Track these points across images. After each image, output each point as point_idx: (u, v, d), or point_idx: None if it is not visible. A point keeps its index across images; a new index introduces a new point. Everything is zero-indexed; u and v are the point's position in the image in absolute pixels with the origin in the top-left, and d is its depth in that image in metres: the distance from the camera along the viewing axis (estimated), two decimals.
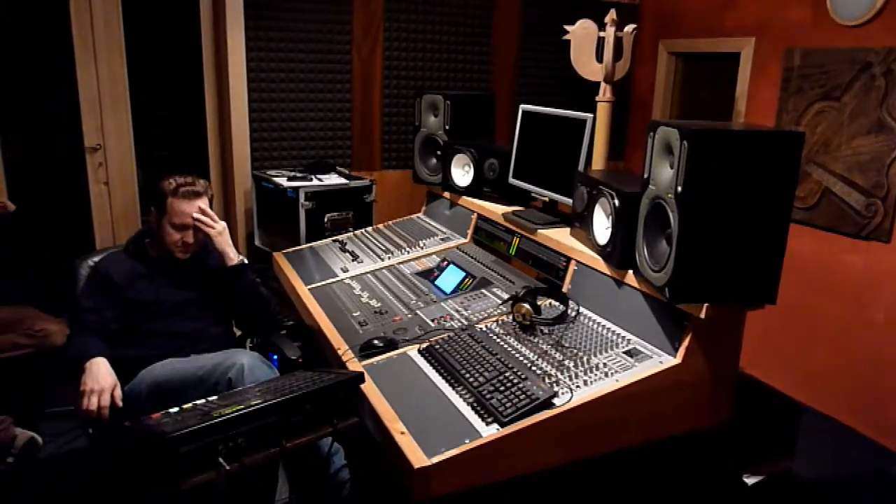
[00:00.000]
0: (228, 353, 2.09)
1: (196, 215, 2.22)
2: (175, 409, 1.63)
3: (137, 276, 2.22)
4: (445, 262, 2.47)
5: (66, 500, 2.46)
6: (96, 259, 2.31)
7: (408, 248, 2.71)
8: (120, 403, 1.94)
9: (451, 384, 1.71)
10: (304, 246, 2.99)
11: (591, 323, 1.91)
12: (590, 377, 1.67)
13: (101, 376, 1.94)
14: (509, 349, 1.82)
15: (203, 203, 2.24)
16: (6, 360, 2.73)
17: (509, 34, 4.06)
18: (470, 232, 2.68)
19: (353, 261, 2.70)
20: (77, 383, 1.96)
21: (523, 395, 1.58)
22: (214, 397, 1.74)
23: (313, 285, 2.52)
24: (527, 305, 1.91)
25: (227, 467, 1.45)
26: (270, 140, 3.64)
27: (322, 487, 2.08)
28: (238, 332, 2.51)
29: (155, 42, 3.57)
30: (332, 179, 3.39)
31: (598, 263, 1.99)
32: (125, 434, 1.66)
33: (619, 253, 1.88)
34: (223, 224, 2.30)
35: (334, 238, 3.00)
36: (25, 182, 3.39)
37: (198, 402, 1.69)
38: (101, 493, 2.35)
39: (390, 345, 1.95)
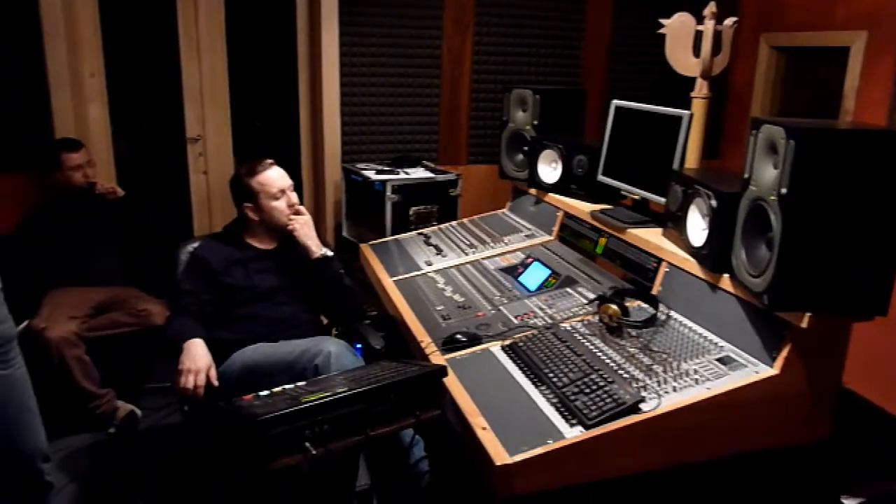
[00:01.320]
0: (316, 340, 2.15)
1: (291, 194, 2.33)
2: (265, 393, 1.69)
3: (232, 262, 2.32)
4: (530, 259, 2.45)
5: (161, 471, 2.60)
6: (195, 245, 2.43)
7: (492, 244, 2.70)
8: (215, 383, 2.04)
9: (534, 383, 1.70)
10: (389, 238, 3.04)
11: (681, 327, 1.85)
12: (679, 383, 1.61)
13: (198, 357, 2.04)
14: (595, 350, 1.78)
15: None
16: (111, 337, 2.89)
17: (601, 28, 3.97)
18: (555, 229, 2.64)
19: (437, 254, 2.72)
20: (175, 362, 2.07)
21: (609, 399, 1.54)
22: (302, 383, 1.79)
23: (398, 277, 2.56)
24: (614, 306, 1.86)
25: (314, 452, 1.49)
26: (360, 133, 3.71)
27: (401, 478, 2.10)
28: (325, 321, 2.57)
29: (253, 35, 3.70)
30: (419, 173, 3.42)
31: (692, 266, 1.92)
32: (218, 413, 1.73)
33: (714, 255, 1.80)
34: (307, 217, 2.39)
35: (419, 231, 3.03)
36: (133, 170, 3.60)
37: (287, 386, 1.74)
38: (193, 468, 2.47)
39: (473, 340, 1.95)
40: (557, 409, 1.58)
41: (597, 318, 1.94)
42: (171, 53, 3.49)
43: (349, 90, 3.62)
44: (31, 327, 2.66)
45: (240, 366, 2.14)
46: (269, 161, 2.36)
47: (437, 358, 1.90)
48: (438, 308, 2.23)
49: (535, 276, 2.33)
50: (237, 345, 2.20)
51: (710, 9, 3.18)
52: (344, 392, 1.55)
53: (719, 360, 1.68)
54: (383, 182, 3.21)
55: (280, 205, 2.33)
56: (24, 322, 2.69)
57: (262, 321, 2.27)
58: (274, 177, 2.33)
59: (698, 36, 3.23)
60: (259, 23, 3.71)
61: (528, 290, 2.26)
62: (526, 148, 2.92)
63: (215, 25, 3.53)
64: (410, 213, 3.25)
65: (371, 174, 3.32)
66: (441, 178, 3.38)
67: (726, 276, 1.79)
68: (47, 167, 3.05)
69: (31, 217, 3.03)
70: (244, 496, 1.94)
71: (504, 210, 3.06)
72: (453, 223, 3.08)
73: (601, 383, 1.60)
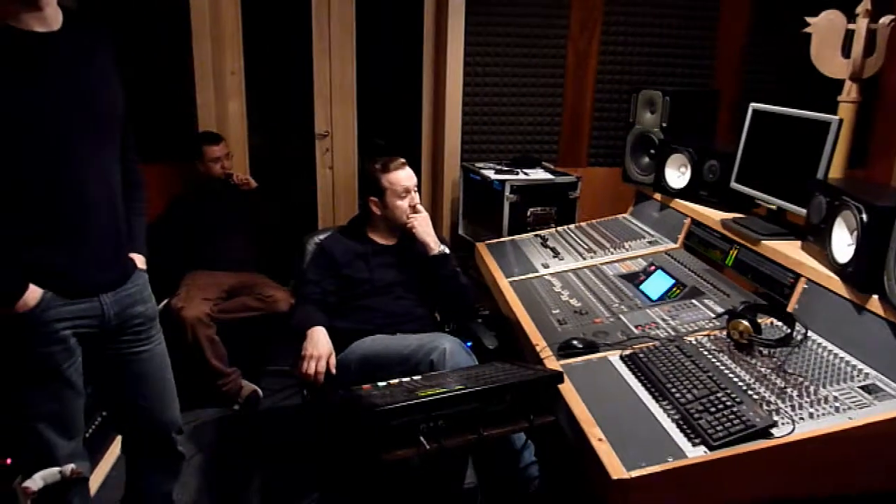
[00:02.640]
0: (432, 335, 2.18)
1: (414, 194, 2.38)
2: (383, 384, 1.74)
3: (355, 255, 2.39)
4: (653, 267, 2.36)
5: (279, 449, 2.73)
6: (321, 237, 2.53)
7: (612, 249, 2.63)
8: (334, 371, 2.11)
9: (654, 397, 1.63)
10: (505, 238, 3.03)
11: (820, 350, 1.72)
12: (816, 410, 1.50)
13: (319, 344, 2.12)
14: (722, 368, 1.69)
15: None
16: (239, 319, 3.07)
17: (736, 26, 3.76)
18: (681, 237, 2.53)
19: (554, 257, 2.68)
20: (298, 348, 2.17)
21: (737, 420, 1.46)
22: (418, 377, 1.82)
23: (513, 278, 2.54)
24: (745, 322, 1.76)
25: (427, 446, 1.51)
26: (480, 133, 3.73)
27: (510, 480, 2.09)
28: (438, 317, 2.60)
29: (381, 34, 3.80)
30: (538, 174, 3.39)
31: (835, 284, 1.78)
32: (338, 400, 1.79)
33: (862, 274, 1.66)
34: (425, 214, 2.43)
35: (536, 233, 3.00)
36: (266, 163, 3.80)
37: (403, 379, 1.78)
38: (309, 449, 2.58)
39: (590, 347, 1.90)
40: (679, 427, 1.51)
41: (725, 333, 1.84)
42: (305, 53, 3.65)
43: (472, 89, 3.64)
44: (170, 307, 2.88)
45: (358, 355, 2.21)
46: (402, 160, 2.42)
47: (552, 363, 1.87)
48: (554, 312, 2.20)
49: (657, 284, 2.24)
50: (356, 335, 2.27)
51: (865, 6, 2.94)
52: (460, 389, 1.56)
53: (863, 388, 1.55)
54: (502, 182, 3.20)
55: (403, 204, 2.39)
56: (164, 301, 2.90)
57: (381, 313, 2.33)
58: (403, 176, 2.39)
59: (848, 35, 3.00)
60: (387, 22, 3.80)
61: (650, 300, 2.18)
62: (653, 151, 2.82)
63: (346, 26, 3.66)
64: (528, 214, 3.23)
65: (490, 174, 3.33)
66: (560, 179, 3.33)
67: (875, 297, 1.64)
68: (190, 158, 3.29)
69: (174, 205, 3.28)
70: (356, 482, 2.00)
71: (626, 215, 2.98)
72: (571, 226, 3.02)
73: (728, 403, 1.51)
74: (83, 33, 1.59)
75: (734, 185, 2.40)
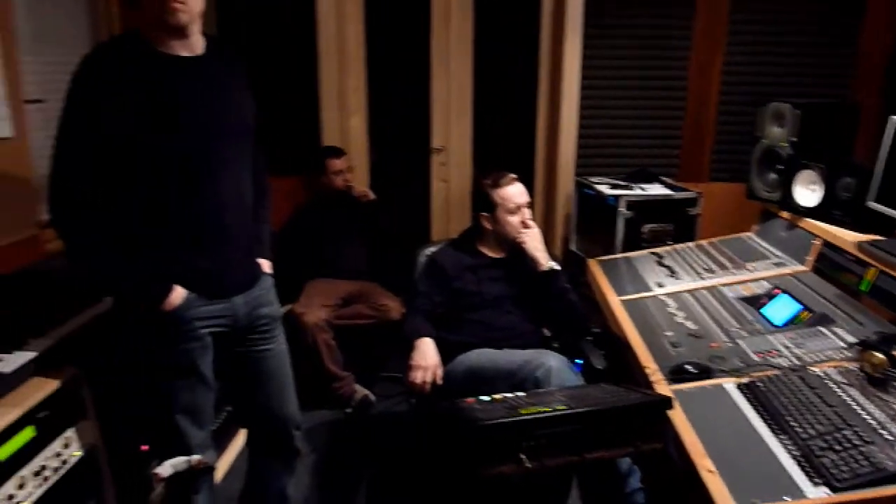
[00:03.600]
0: (538, 352, 2.17)
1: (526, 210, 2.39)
2: (487, 398, 1.75)
3: (465, 268, 2.43)
4: (777, 290, 2.22)
5: (388, 453, 2.81)
6: (433, 249, 2.59)
7: (733, 270, 2.50)
8: (440, 382, 2.16)
9: (772, 430, 1.54)
10: (619, 255, 2.96)
11: None
12: None
13: (427, 355, 2.18)
14: (851, 403, 1.57)
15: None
16: (353, 326, 3.20)
17: (880, 35, 3.47)
18: (810, 259, 2.37)
19: (669, 276, 2.59)
20: (407, 357, 2.23)
21: (865, 462, 1.34)
22: (522, 394, 1.82)
23: (625, 297, 2.48)
24: (881, 354, 1.62)
25: (528, 464, 1.51)
26: (596, 147, 3.67)
27: None
28: (547, 333, 2.58)
29: (498, 48, 3.83)
30: (655, 189, 3.29)
31: None
32: (440, 411, 1.83)
33: None
34: (536, 230, 2.43)
35: (651, 250, 2.91)
36: (384, 176, 3.93)
37: (507, 395, 1.78)
38: (414, 455, 2.63)
39: (705, 372, 1.82)
40: (799, 464, 1.41)
41: (856, 365, 1.70)
42: (423, 68, 3.76)
43: (588, 102, 3.60)
44: (292, 311, 3.04)
45: (464, 368, 2.24)
46: (513, 176, 2.43)
47: (663, 387, 1.80)
48: (667, 334, 2.13)
49: (782, 309, 2.11)
50: (463, 347, 2.30)
51: None
52: (564, 410, 1.55)
53: None
54: (616, 197, 3.13)
55: (514, 220, 2.39)
56: (287, 306, 3.07)
57: (488, 327, 2.35)
58: (514, 192, 2.40)
59: None
60: (504, 36, 3.83)
61: (773, 325, 2.06)
62: (780, 167, 2.66)
63: (463, 41, 3.73)
64: (644, 230, 3.14)
65: (604, 188, 3.27)
66: (679, 195, 3.21)
67: None
68: (314, 171, 3.47)
69: (298, 215, 3.47)
70: (455, 494, 2.02)
71: (749, 233, 2.82)
72: (690, 244, 2.91)
73: (856, 442, 1.40)
74: (221, 57, 1.73)
75: (872, 204, 2.21)
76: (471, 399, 1.74)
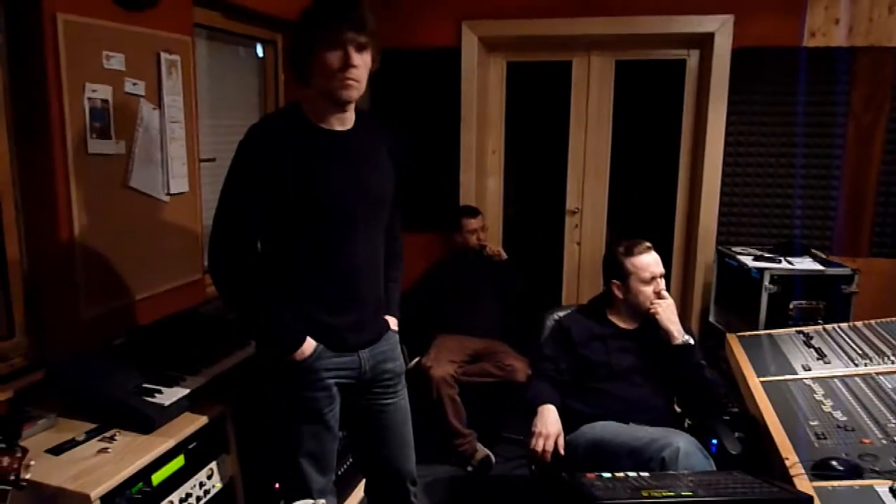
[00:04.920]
0: (666, 431, 2.08)
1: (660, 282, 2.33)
2: (608, 475, 1.70)
3: (593, 336, 2.39)
4: None
5: None
6: (561, 314, 2.58)
7: (893, 357, 2.28)
8: (562, 451, 2.12)
9: None
10: (762, 332, 2.79)
11: None
12: None
13: (549, 422, 2.15)
14: None
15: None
16: (478, 384, 3.22)
17: None
18: None
19: (818, 359, 2.40)
20: (529, 422, 2.21)
21: None
22: (646, 474, 1.75)
23: (766, 378, 2.32)
24: None
25: None
26: (740, 215, 3.52)
27: None
28: (678, 410, 2.47)
29: (637, 111, 3.81)
30: (804, 263, 3.08)
31: None
32: (560, 484, 1.79)
33: None
34: (670, 301, 2.35)
35: (798, 329, 2.71)
36: (518, 236, 3.99)
37: (630, 473, 1.72)
38: None
39: (853, 471, 1.66)
40: None
41: None
42: (561, 131, 3.81)
43: (732, 169, 3.48)
44: (420, 364, 3.13)
45: (587, 439, 2.19)
46: (647, 245, 2.39)
47: (803, 483, 1.66)
48: (812, 423, 1.96)
49: None
50: (588, 418, 2.25)
51: None
52: (690, 497, 1.47)
53: None
54: (761, 270, 2.97)
55: (647, 290, 2.34)
56: (416, 359, 3.16)
57: (615, 399, 2.28)
58: (648, 262, 2.35)
59: None
60: (644, 99, 3.82)
61: None
62: None
63: (604, 106, 3.76)
64: (791, 307, 2.94)
65: (748, 260, 3.11)
66: (832, 271, 2.99)
67: None
68: (450, 229, 3.59)
69: (432, 270, 3.59)
70: None
71: None
72: (843, 325, 2.68)
73: None
74: (370, 130, 1.88)
75: None
76: (592, 474, 1.70)
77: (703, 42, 3.51)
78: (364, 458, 2.13)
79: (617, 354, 2.36)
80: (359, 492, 2.76)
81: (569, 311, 2.60)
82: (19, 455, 1.44)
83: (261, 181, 1.72)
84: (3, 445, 1.45)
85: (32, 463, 1.49)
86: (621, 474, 1.72)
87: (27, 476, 1.44)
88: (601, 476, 1.69)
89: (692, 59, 3.63)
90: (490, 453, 3.15)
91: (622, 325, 2.42)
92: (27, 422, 1.75)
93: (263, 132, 1.77)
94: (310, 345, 1.80)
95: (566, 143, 3.83)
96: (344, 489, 2.66)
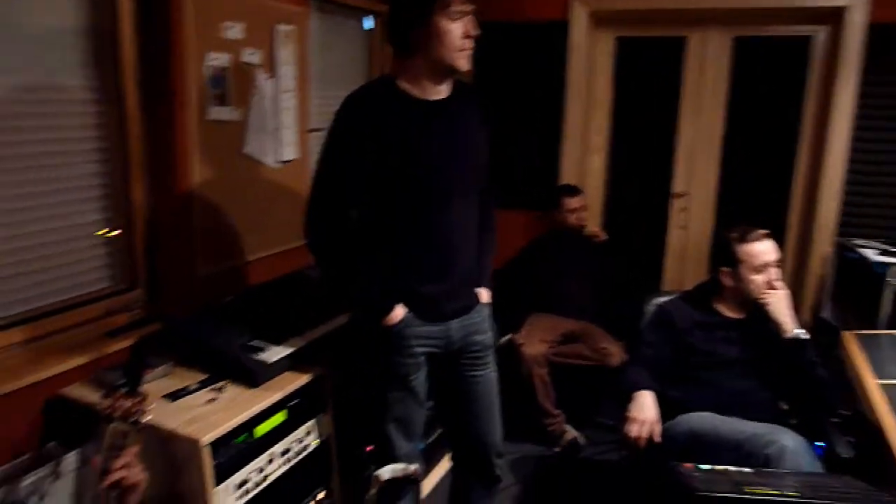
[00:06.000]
0: (772, 428, 1.97)
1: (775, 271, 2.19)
2: (706, 467, 1.64)
3: (696, 324, 2.30)
4: None
5: (592, 500, 2.73)
6: (664, 300, 2.49)
7: None
8: (657, 439, 2.06)
9: None
10: (882, 332, 2.59)
11: None
12: None
13: (646, 409, 2.09)
14: None
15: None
16: (570, 365, 3.18)
17: None
18: None
19: None
20: (624, 407, 2.16)
21: None
22: (749, 470, 1.67)
23: (886, 381, 2.16)
24: None
25: None
26: (865, 206, 3.26)
27: None
28: (784, 406, 2.34)
29: (755, 91, 3.58)
30: None
31: None
32: (656, 472, 1.75)
33: None
34: (784, 292, 2.21)
35: None
36: (619, 218, 3.88)
37: (731, 468, 1.65)
38: None
39: None
40: None
41: None
42: (671, 112, 3.65)
43: (860, 157, 3.22)
44: (512, 341, 3.12)
45: (686, 429, 2.11)
46: (763, 232, 2.25)
47: None
48: None
49: None
50: (686, 408, 2.17)
51: None
52: (796, 497, 1.40)
53: None
54: (886, 265, 2.75)
55: (759, 279, 2.21)
56: (508, 336, 3.15)
57: (717, 390, 2.19)
58: (763, 249, 2.22)
59: None
60: (763, 80, 3.58)
61: None
62: None
63: (720, 85, 3.57)
64: None
65: (871, 253, 2.89)
66: None
67: None
68: (549, 207, 3.54)
69: (528, 249, 3.55)
70: None
71: None
72: None
73: None
74: (463, 100, 1.88)
75: None
76: (689, 465, 1.64)
77: (834, 17, 3.24)
78: (451, 429, 2.15)
79: (722, 344, 2.25)
80: (446, 462, 2.81)
81: (671, 296, 2.51)
82: (140, 399, 1.55)
83: (357, 149, 1.76)
84: (126, 389, 1.57)
85: (151, 407, 1.60)
86: (721, 467, 1.65)
87: (146, 419, 1.55)
88: (699, 467, 1.63)
89: (819, 35, 3.37)
90: (579, 436, 3.11)
91: (729, 314, 2.31)
92: (147, 369, 1.87)
93: (361, 101, 1.80)
94: (399, 312, 1.84)
95: (676, 123, 3.67)
96: (432, 458, 2.71)
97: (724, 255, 2.29)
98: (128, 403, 1.51)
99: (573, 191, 3.51)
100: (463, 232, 1.90)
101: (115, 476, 1.32)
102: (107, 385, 1.74)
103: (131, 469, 1.35)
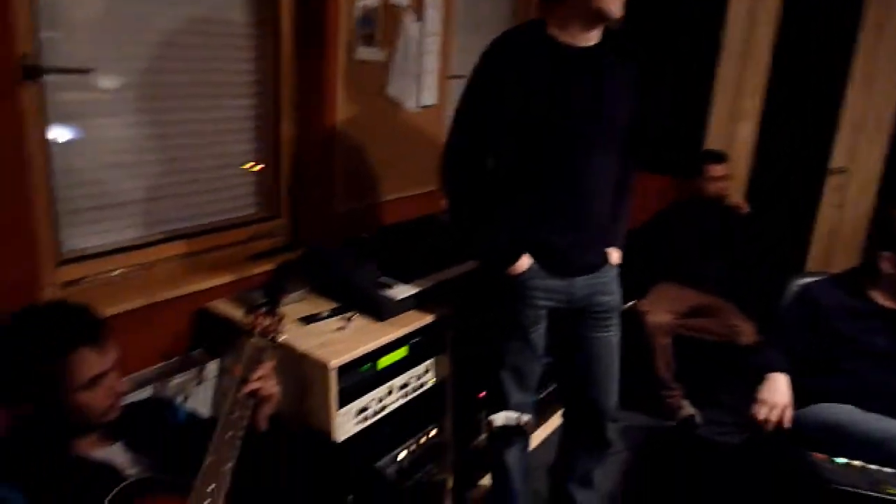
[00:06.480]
0: None
1: None
2: (841, 460, 1.54)
3: (844, 309, 2.12)
4: None
5: (706, 480, 2.64)
6: (809, 280, 2.31)
7: None
8: (788, 425, 1.94)
9: None
10: None
11: None
12: None
13: (779, 392, 1.98)
14: None
15: None
16: (695, 339, 3.05)
17: None
18: None
19: None
20: (753, 388, 2.05)
21: None
22: (889, 469, 1.55)
23: None
24: None
25: None
26: None
27: None
28: None
29: None
30: None
31: None
32: (783, 459, 1.66)
33: None
34: None
35: None
36: (765, 191, 3.62)
37: (870, 465, 1.54)
38: (739, 494, 2.43)
39: None
40: None
41: None
42: (837, 83, 3.32)
43: None
44: (636, 307, 3.03)
45: (819, 419, 1.97)
46: None
47: None
48: None
49: None
50: (823, 396, 2.03)
51: None
52: None
53: None
54: None
55: None
56: (632, 301, 3.06)
57: (860, 382, 2.02)
58: None
59: None
60: None
61: None
62: None
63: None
64: None
65: None
66: None
67: None
68: (689, 174, 3.36)
69: (664, 215, 3.40)
70: None
71: None
72: None
73: None
74: (613, 49, 1.80)
75: None
76: (822, 455, 1.55)
77: None
78: (566, 387, 2.14)
79: (870, 334, 2.07)
80: (557, 418, 2.81)
81: (818, 278, 2.33)
82: (277, 319, 1.66)
83: (499, 94, 1.73)
84: (265, 309, 1.68)
85: (286, 328, 1.71)
86: (858, 463, 1.55)
87: (282, 338, 1.65)
88: (833, 460, 1.54)
89: None
90: (696, 412, 3.00)
91: (884, 302, 2.11)
92: (284, 292, 1.99)
93: (507, 45, 1.77)
94: (525, 262, 1.83)
95: (843, 90, 3.33)
96: (542, 413, 2.72)
97: (887, 237, 2.09)
98: (267, 322, 1.62)
99: (718, 157, 3.30)
100: (600, 187, 1.84)
101: (254, 385, 1.42)
102: (248, 303, 1.87)
103: (267, 381, 1.45)
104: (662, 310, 3.00)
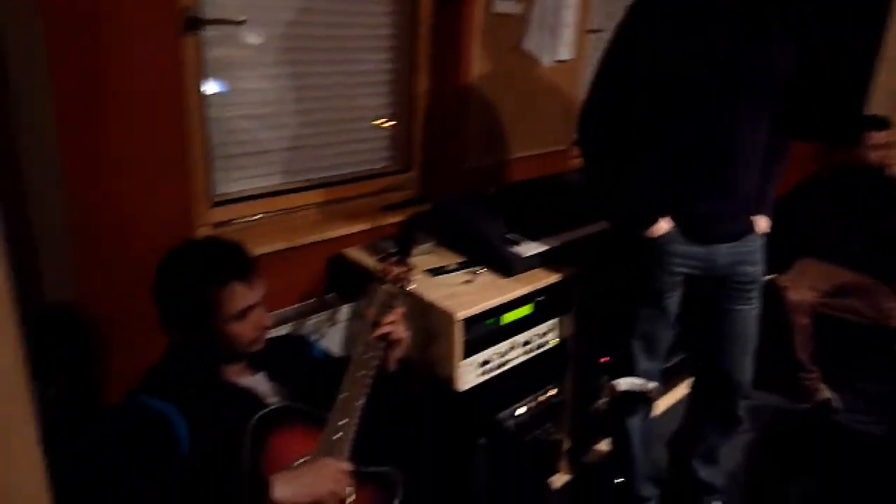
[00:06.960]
0: None
1: None
2: None
3: None
4: None
5: (839, 468, 2.48)
6: None
7: None
8: None
9: None
10: None
11: None
12: None
13: None
14: None
15: None
16: (839, 320, 2.83)
17: None
18: None
19: None
20: None
21: None
22: None
23: None
24: None
25: None
26: None
27: None
28: None
29: None
30: None
31: None
32: None
33: None
34: None
35: None
36: None
37: None
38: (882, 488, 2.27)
39: None
40: None
41: None
42: None
43: None
44: (776, 283, 2.84)
45: None
46: None
47: None
48: None
49: None
50: None
51: None
52: None
53: None
54: None
55: None
56: (772, 276, 2.88)
57: None
58: None
59: None
60: None
61: None
62: None
63: None
64: None
65: None
66: None
67: None
68: (846, 140, 3.06)
69: (812, 184, 3.13)
70: None
71: None
72: None
73: None
74: (768, 7, 1.66)
75: None
76: None
77: None
78: (698, 358, 2.05)
79: None
80: (683, 388, 2.72)
81: None
82: (408, 268, 1.70)
83: (646, 49, 1.64)
84: (397, 258, 1.72)
85: (416, 277, 1.75)
86: None
87: (411, 286, 1.70)
88: None
89: None
90: (834, 397, 2.80)
91: None
92: (415, 243, 2.03)
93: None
94: (663, 225, 1.75)
95: None
96: (668, 381, 2.64)
97: None
98: (398, 270, 1.67)
99: (882, 123, 2.99)
100: (748, 151, 1.73)
101: (385, 329, 1.48)
102: (381, 252, 1.93)
103: (398, 326, 1.50)
104: (805, 287, 2.80)
